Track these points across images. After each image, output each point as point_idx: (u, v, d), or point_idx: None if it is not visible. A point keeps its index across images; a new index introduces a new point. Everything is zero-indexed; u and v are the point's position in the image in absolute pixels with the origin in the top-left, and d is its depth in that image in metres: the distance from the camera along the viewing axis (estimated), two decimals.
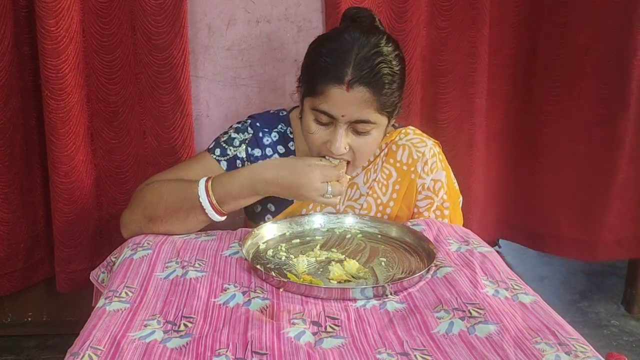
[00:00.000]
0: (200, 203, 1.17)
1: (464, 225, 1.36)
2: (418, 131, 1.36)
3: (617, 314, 2.40)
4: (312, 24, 1.77)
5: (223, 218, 1.21)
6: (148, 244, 1.16)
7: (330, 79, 1.12)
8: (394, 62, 1.15)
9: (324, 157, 1.21)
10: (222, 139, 1.35)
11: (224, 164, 1.32)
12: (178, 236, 1.20)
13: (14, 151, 1.67)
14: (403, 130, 1.34)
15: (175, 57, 1.63)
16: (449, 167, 1.36)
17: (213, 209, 1.18)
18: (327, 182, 1.15)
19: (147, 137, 1.73)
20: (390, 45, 1.16)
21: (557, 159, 2.03)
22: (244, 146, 1.33)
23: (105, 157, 1.74)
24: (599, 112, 1.96)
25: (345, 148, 1.17)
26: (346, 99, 1.12)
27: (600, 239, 2.06)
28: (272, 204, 1.35)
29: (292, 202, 1.33)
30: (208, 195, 1.17)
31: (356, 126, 1.16)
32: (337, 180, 1.17)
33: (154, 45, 1.63)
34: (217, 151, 1.33)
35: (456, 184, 1.38)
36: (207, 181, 1.18)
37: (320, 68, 1.15)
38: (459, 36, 1.82)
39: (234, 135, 1.35)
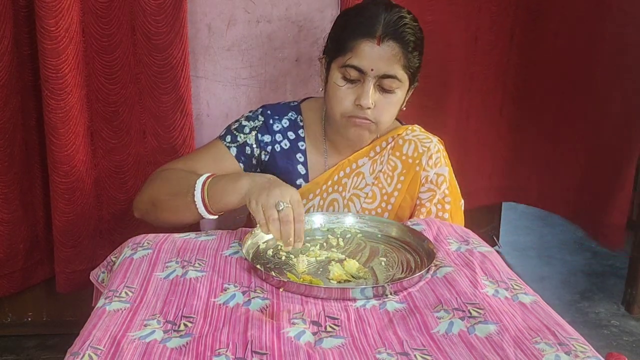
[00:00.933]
0: (194, 197, 1.17)
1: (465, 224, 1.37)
2: (423, 129, 1.41)
3: (617, 314, 2.40)
4: (313, 24, 1.77)
5: (210, 216, 1.19)
6: (148, 243, 1.16)
7: (361, 34, 1.20)
8: (416, 29, 1.25)
9: (351, 116, 1.24)
10: (233, 127, 1.37)
11: (233, 150, 1.34)
12: (178, 236, 1.20)
13: (14, 151, 1.67)
14: (410, 127, 1.39)
15: (175, 57, 1.63)
16: (451, 166, 1.39)
17: (203, 204, 1.17)
18: (289, 204, 1.08)
19: (147, 137, 1.73)
20: (411, 15, 1.26)
21: (528, 128, 2.37)
22: (253, 133, 1.36)
23: (105, 157, 1.74)
24: (564, 89, 2.26)
25: (372, 103, 1.22)
26: (376, 53, 1.20)
27: (557, 194, 2.44)
28: None
29: (299, 186, 1.36)
30: (202, 190, 1.17)
31: (383, 82, 1.22)
32: (297, 217, 1.07)
33: (154, 45, 1.63)
34: (228, 138, 1.36)
35: (458, 186, 1.40)
36: (209, 176, 1.19)
37: (351, 27, 1.23)
38: (440, 30, 2.02)
39: (244, 123, 1.37)
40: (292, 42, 1.78)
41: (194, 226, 1.81)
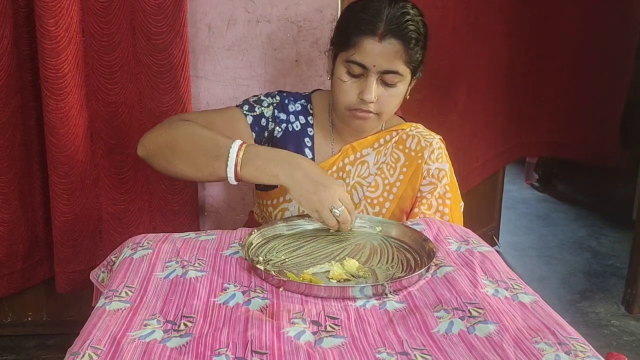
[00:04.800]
0: (228, 158, 1.18)
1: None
2: (425, 128, 1.45)
3: (617, 314, 2.41)
4: (313, 24, 1.77)
5: (235, 183, 1.21)
6: (148, 243, 1.16)
7: (364, 31, 1.24)
8: (419, 24, 1.28)
9: (355, 109, 1.29)
10: (252, 99, 1.41)
11: (249, 118, 1.37)
12: (178, 236, 1.20)
13: (14, 151, 1.67)
14: (413, 124, 1.44)
15: (175, 57, 1.63)
16: (452, 165, 1.42)
17: (234, 169, 1.18)
18: (341, 205, 1.17)
19: None
20: (415, 9, 1.29)
21: (516, 91, 2.78)
22: (271, 107, 1.40)
23: (105, 158, 1.74)
24: (543, 52, 2.77)
25: (375, 97, 1.27)
26: (378, 50, 1.24)
27: (535, 139, 2.94)
28: None
29: None
30: (237, 154, 1.18)
31: (385, 77, 1.27)
32: (350, 214, 1.18)
33: (154, 45, 1.63)
34: (246, 107, 1.38)
35: (458, 189, 1.43)
36: (243, 143, 1.20)
37: (355, 23, 1.26)
38: (446, 13, 2.17)
39: (263, 97, 1.41)
40: (292, 42, 1.78)
41: (194, 226, 1.81)
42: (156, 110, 1.69)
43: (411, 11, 1.26)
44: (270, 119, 1.39)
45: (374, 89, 1.26)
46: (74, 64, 1.58)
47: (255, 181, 1.21)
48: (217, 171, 1.20)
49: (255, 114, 1.37)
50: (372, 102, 1.27)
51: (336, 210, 1.16)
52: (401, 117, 1.47)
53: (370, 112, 1.29)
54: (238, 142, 1.19)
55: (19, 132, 1.68)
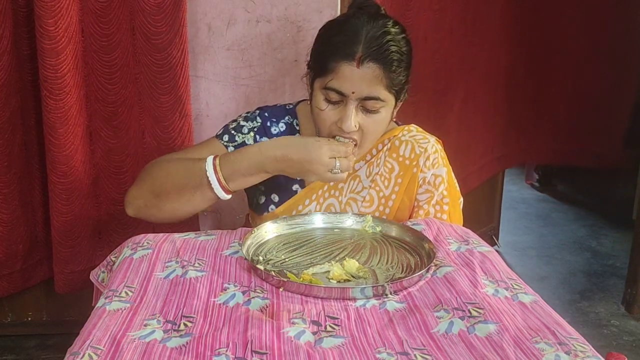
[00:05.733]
0: (208, 180, 1.18)
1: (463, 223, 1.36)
2: (420, 129, 1.39)
3: (617, 314, 2.41)
4: (312, 24, 1.77)
5: (229, 196, 1.22)
6: (148, 243, 1.15)
7: (341, 56, 1.16)
8: (401, 43, 1.19)
9: (334, 137, 1.23)
10: (231, 126, 1.37)
11: (231, 150, 1.33)
12: (178, 236, 1.20)
13: (13, 151, 1.67)
14: (406, 128, 1.37)
15: (174, 57, 1.63)
16: (450, 166, 1.38)
17: (220, 186, 1.19)
18: (335, 158, 1.16)
19: (146, 138, 1.73)
20: (397, 27, 1.20)
21: (516, 96, 2.77)
22: (252, 134, 1.35)
23: (104, 158, 1.74)
24: (544, 56, 2.79)
25: (355, 126, 1.20)
26: (356, 75, 1.16)
27: (536, 146, 2.97)
28: (276, 195, 1.36)
29: (295, 192, 1.34)
30: (216, 172, 1.18)
31: (366, 104, 1.19)
32: (345, 157, 1.18)
33: (153, 45, 1.63)
34: (226, 137, 1.35)
35: (457, 185, 1.38)
36: (214, 159, 1.20)
37: (330, 47, 1.19)
38: (443, 16, 2.17)
39: (242, 123, 1.37)
40: (291, 42, 1.78)
41: (194, 226, 1.81)
42: (155, 111, 1.69)
43: (392, 30, 1.18)
44: None
45: (352, 118, 1.18)
46: (74, 64, 1.58)
47: (248, 185, 1.23)
48: (208, 195, 1.21)
49: (236, 143, 1.33)
50: (352, 131, 1.20)
51: (336, 170, 1.16)
52: (394, 121, 1.39)
53: (354, 139, 1.22)
54: (210, 164, 1.19)
55: (18, 132, 1.68)
